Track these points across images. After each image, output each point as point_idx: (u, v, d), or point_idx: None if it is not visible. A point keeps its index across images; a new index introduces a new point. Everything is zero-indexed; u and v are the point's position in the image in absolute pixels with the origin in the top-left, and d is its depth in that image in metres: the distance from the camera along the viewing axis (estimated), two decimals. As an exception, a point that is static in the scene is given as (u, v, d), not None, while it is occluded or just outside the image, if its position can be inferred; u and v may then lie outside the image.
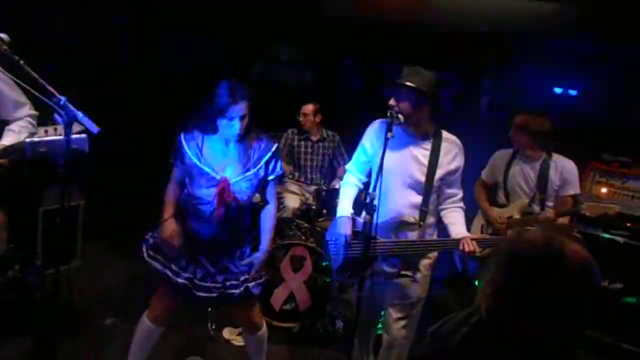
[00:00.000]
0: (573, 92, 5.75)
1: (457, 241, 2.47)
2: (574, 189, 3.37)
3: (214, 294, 2.54)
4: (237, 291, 2.55)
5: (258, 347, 2.87)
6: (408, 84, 2.44)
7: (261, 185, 2.60)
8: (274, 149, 2.58)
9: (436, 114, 2.57)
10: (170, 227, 2.54)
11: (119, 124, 4.63)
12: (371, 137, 2.72)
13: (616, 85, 4.73)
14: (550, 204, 3.39)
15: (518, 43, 5.04)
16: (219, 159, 2.51)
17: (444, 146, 2.56)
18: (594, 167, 4.40)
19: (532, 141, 3.40)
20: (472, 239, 2.45)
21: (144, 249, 2.61)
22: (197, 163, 2.49)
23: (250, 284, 2.58)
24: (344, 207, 2.75)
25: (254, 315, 2.76)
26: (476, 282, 3.82)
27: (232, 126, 2.41)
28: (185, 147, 2.51)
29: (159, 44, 5.20)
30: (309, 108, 4.63)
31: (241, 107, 2.40)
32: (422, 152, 2.56)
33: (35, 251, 3.84)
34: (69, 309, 3.37)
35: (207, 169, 2.48)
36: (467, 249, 2.41)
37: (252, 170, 2.53)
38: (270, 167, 2.58)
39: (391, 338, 2.65)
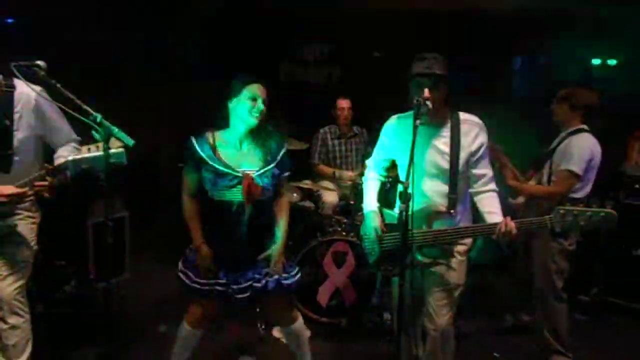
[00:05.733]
0: (612, 62, 5.55)
1: (493, 227, 2.40)
2: (566, 164, 3.09)
3: (248, 293, 2.56)
4: (259, 285, 2.56)
5: (297, 340, 2.88)
6: (439, 72, 2.41)
7: (276, 180, 2.62)
8: (286, 145, 2.63)
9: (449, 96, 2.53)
10: (204, 253, 2.55)
11: (160, 135, 4.79)
12: (388, 134, 2.71)
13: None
14: (554, 177, 3.21)
15: (548, 15, 4.88)
16: (234, 156, 2.52)
17: (463, 128, 2.51)
18: (636, 136, 4.25)
19: (573, 112, 3.23)
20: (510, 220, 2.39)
21: (180, 265, 2.66)
22: (213, 164, 2.47)
23: (270, 279, 2.58)
24: (370, 201, 2.75)
25: (282, 308, 2.78)
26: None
27: (252, 108, 2.45)
28: (198, 149, 2.49)
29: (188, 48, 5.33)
30: (346, 102, 4.66)
31: (259, 88, 2.48)
32: (442, 140, 2.53)
33: (88, 265, 3.99)
34: (123, 319, 3.51)
35: (225, 169, 2.46)
36: (504, 229, 2.35)
37: (272, 165, 2.55)
38: (285, 163, 2.62)
39: (434, 326, 2.62)
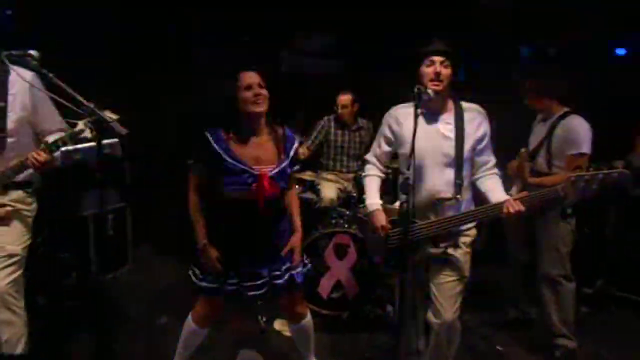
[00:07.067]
0: (621, 52, 5.45)
1: (499, 206, 2.40)
2: (575, 148, 3.15)
3: (263, 290, 2.50)
4: (281, 281, 2.52)
5: (304, 336, 2.86)
6: (452, 51, 2.41)
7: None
8: (297, 140, 2.60)
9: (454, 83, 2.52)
10: (210, 253, 2.47)
11: (161, 125, 4.76)
12: (390, 125, 2.66)
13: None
14: (558, 162, 3.25)
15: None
16: (249, 154, 2.44)
17: (466, 116, 2.49)
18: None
19: (540, 97, 3.36)
20: (515, 199, 2.37)
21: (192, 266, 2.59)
22: (230, 160, 2.39)
23: (294, 272, 2.57)
24: (373, 198, 2.70)
25: (297, 303, 2.73)
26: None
27: (251, 97, 2.37)
28: (214, 144, 2.40)
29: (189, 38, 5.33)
30: (347, 99, 4.57)
31: (253, 76, 2.40)
32: (447, 127, 2.50)
33: (89, 257, 3.98)
34: (124, 310, 3.50)
35: (242, 167, 2.39)
36: (513, 210, 2.34)
37: (286, 163, 2.51)
38: (294, 158, 2.58)
39: (440, 320, 2.55)
